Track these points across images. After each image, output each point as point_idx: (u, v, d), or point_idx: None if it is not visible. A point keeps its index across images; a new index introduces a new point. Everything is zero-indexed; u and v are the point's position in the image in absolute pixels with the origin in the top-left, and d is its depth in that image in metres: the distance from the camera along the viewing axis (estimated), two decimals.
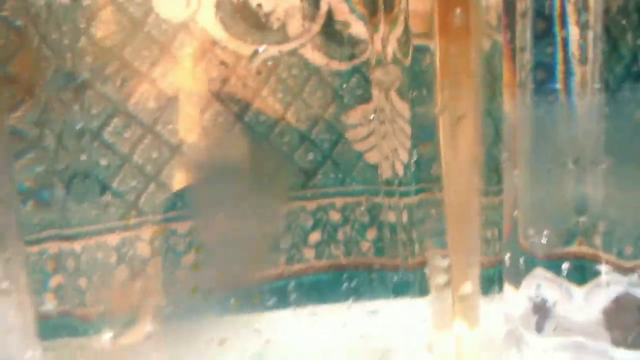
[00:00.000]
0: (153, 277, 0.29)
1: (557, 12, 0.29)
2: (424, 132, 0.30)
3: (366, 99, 0.30)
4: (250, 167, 0.30)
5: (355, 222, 0.31)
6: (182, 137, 0.29)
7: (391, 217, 0.31)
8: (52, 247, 0.29)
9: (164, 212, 0.29)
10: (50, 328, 0.29)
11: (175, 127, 0.29)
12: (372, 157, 0.30)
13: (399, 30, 0.29)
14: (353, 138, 0.30)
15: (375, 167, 0.30)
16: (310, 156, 0.30)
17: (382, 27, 0.29)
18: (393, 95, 0.30)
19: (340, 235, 0.31)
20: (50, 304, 0.29)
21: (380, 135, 0.30)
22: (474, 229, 0.30)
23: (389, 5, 0.29)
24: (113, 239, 0.29)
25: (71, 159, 0.28)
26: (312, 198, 0.30)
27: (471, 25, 0.29)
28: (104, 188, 0.29)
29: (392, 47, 0.30)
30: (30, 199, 0.29)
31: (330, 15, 0.29)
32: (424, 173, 0.30)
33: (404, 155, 0.30)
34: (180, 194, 0.29)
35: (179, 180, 0.29)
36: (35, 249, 0.28)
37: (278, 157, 0.30)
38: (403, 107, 0.30)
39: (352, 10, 0.29)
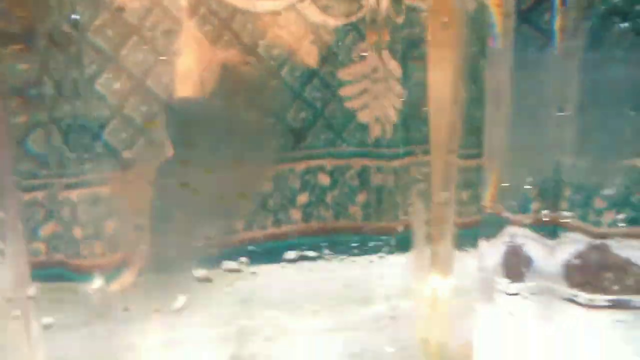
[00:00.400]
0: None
1: None
2: (414, 92, 0.31)
3: (361, 56, 0.30)
4: (242, 123, 0.30)
5: (344, 185, 0.31)
6: (175, 90, 0.29)
7: (379, 179, 0.31)
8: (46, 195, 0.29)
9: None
10: (43, 275, 0.29)
11: (168, 80, 0.29)
12: (363, 117, 0.31)
13: None
14: (346, 96, 0.30)
15: (366, 127, 0.31)
16: (302, 115, 0.30)
17: None
18: (385, 54, 0.30)
19: (329, 198, 0.31)
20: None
21: (372, 95, 0.31)
22: (452, 190, 0.32)
23: None
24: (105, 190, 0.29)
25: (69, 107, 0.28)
26: (302, 159, 0.31)
27: None
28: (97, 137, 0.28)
29: (385, 5, 0.30)
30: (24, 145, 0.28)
31: None
32: (413, 134, 0.31)
33: (393, 116, 0.31)
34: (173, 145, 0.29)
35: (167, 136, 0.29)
36: (29, 196, 0.28)
37: (267, 117, 0.30)
38: (395, 67, 0.30)
39: None
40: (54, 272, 0.30)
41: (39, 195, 0.29)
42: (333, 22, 0.29)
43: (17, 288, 0.29)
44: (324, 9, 0.29)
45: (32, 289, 0.29)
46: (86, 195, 0.29)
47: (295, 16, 0.29)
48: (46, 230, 0.29)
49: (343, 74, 0.30)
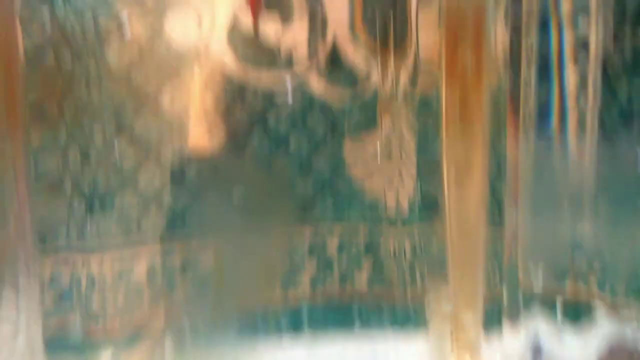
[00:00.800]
0: (155, 298, 0.30)
1: (554, 54, 0.29)
2: (429, 166, 0.30)
3: (369, 129, 0.30)
4: (251, 193, 0.30)
5: (352, 253, 0.31)
6: (186, 159, 0.30)
7: (391, 248, 0.31)
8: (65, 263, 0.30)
9: (165, 233, 0.30)
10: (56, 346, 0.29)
11: (180, 149, 0.29)
12: (372, 189, 0.30)
13: (408, 65, 0.30)
14: (354, 168, 0.30)
15: (375, 199, 0.30)
16: (310, 185, 0.30)
17: (392, 61, 0.30)
18: (403, 128, 0.30)
19: (336, 266, 0.31)
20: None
21: (383, 167, 0.30)
22: (476, 263, 0.30)
23: (400, 40, 0.30)
24: (117, 257, 0.29)
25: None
26: (309, 226, 0.30)
27: (479, 66, 0.29)
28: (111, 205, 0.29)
29: (402, 82, 0.30)
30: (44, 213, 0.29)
31: (335, 45, 0.29)
32: (428, 206, 0.30)
33: (409, 187, 0.30)
34: (178, 216, 0.30)
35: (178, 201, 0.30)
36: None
37: (279, 184, 0.30)
38: (410, 140, 0.30)
39: (357, 42, 0.30)
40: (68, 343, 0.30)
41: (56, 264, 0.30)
42: (339, 94, 0.30)
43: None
44: (332, 83, 0.30)
45: None
46: (103, 267, 0.30)
47: (302, 88, 0.30)
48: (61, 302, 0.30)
49: (350, 147, 0.30)
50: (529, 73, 0.29)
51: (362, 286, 0.31)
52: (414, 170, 0.30)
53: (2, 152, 0.28)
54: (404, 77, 0.30)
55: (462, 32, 0.29)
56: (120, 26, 0.29)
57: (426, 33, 0.30)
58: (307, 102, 0.30)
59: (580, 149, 0.29)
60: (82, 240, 0.29)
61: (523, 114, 0.29)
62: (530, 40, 0.29)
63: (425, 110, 0.30)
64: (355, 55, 0.30)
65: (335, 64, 0.29)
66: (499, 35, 0.29)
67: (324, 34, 0.29)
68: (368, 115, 0.30)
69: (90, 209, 0.29)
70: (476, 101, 0.29)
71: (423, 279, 0.31)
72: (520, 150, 0.29)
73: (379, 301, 0.31)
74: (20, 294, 0.29)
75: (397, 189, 0.30)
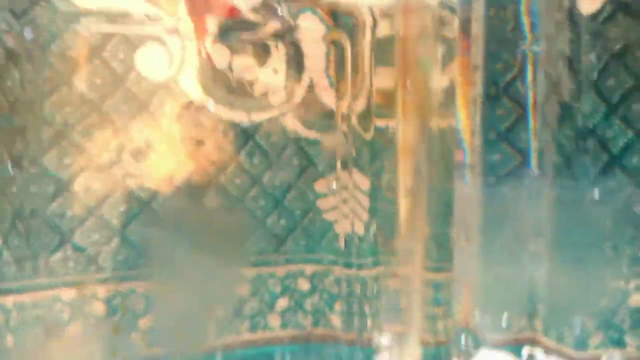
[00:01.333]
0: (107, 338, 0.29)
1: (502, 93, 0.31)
2: (381, 206, 0.31)
3: (333, 169, 0.31)
4: (218, 229, 0.30)
5: (323, 292, 0.31)
6: (152, 193, 0.29)
7: (351, 288, 0.31)
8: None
9: (124, 270, 0.29)
10: None
11: (147, 183, 0.29)
12: (339, 227, 0.31)
13: (360, 104, 0.30)
14: (323, 207, 0.31)
15: (340, 237, 0.31)
16: (282, 222, 0.30)
17: (346, 100, 0.30)
18: (353, 168, 0.31)
19: (307, 305, 0.31)
20: None
21: (346, 206, 0.31)
22: (419, 306, 0.31)
23: (354, 79, 0.30)
24: (67, 294, 0.28)
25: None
26: (281, 264, 0.31)
27: (423, 105, 0.30)
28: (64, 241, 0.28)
29: (354, 120, 0.31)
30: None
31: (311, 87, 0.30)
32: (381, 246, 0.31)
33: (360, 228, 0.31)
34: (142, 251, 0.29)
35: (143, 237, 0.29)
36: None
37: (247, 220, 0.30)
38: (362, 180, 0.31)
39: (331, 84, 0.30)
40: None
41: None
42: (313, 135, 0.30)
43: None
44: (305, 123, 0.30)
45: None
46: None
47: (276, 128, 0.30)
48: None
49: (318, 186, 0.31)
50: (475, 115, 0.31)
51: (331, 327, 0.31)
52: (366, 211, 0.31)
53: None
54: (355, 117, 0.31)
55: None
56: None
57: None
58: (283, 141, 0.30)
59: (531, 192, 0.31)
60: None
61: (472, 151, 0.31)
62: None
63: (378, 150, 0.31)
64: (328, 96, 0.30)
65: (309, 103, 0.30)
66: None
67: (300, 75, 0.30)
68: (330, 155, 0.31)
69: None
70: (422, 141, 0.30)
71: (374, 323, 0.31)
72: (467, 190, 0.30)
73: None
74: None
75: (352, 230, 0.31)
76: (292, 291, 0.31)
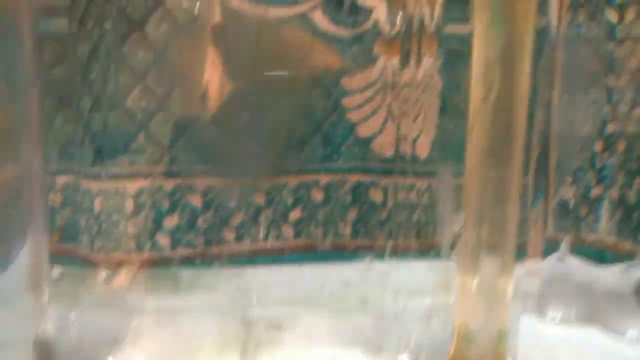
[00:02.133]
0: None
1: None
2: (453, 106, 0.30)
3: (366, 65, 0.31)
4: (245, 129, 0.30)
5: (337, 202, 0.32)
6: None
7: (400, 197, 0.31)
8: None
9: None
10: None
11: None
12: (366, 130, 0.31)
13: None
14: (349, 106, 0.31)
15: (367, 142, 0.31)
16: (301, 125, 0.31)
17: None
18: (429, 64, 0.30)
19: (320, 215, 0.32)
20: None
21: (380, 107, 0.31)
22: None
23: None
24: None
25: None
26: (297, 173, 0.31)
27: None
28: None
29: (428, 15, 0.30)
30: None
31: None
32: (445, 151, 0.31)
33: (429, 130, 0.31)
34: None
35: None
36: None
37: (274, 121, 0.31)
38: (436, 79, 0.30)
39: None
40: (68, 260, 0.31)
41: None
42: (342, 31, 0.30)
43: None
44: (334, 19, 0.30)
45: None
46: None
47: (305, 24, 0.30)
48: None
49: (347, 83, 0.31)
50: None
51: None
52: (435, 113, 0.31)
53: None
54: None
55: None
56: None
57: None
58: (311, 37, 0.30)
59: None
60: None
61: None
62: None
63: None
64: None
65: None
66: None
67: None
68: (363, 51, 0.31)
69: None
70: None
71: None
72: None
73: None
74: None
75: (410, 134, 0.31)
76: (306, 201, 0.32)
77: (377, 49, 0.31)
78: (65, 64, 0.30)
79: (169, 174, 0.30)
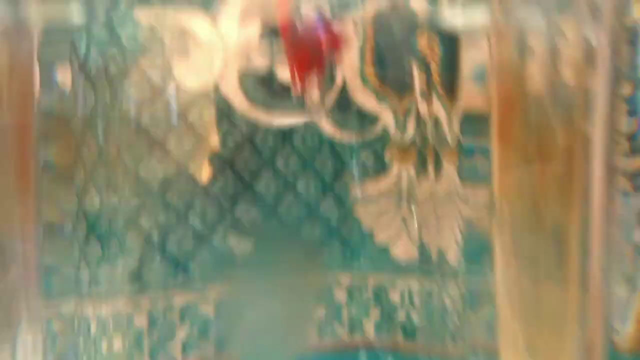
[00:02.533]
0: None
1: None
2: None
3: (378, 173, 0.30)
4: (258, 237, 0.29)
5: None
6: (189, 201, 0.29)
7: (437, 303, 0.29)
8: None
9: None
10: None
11: (182, 191, 0.29)
12: (382, 236, 0.30)
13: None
14: (363, 214, 0.30)
15: (386, 249, 0.30)
16: (317, 231, 0.30)
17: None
18: (450, 169, 0.29)
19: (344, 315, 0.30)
20: None
21: (397, 214, 0.30)
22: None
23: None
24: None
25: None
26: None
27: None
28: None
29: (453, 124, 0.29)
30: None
31: (344, 88, 0.29)
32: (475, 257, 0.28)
33: (458, 236, 0.29)
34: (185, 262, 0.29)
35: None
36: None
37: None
38: (458, 186, 0.29)
39: (366, 85, 0.30)
40: None
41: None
42: (348, 137, 0.30)
43: None
44: (341, 125, 0.30)
45: None
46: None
47: (311, 130, 0.30)
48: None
49: (359, 191, 0.30)
50: None
51: None
52: (461, 217, 0.29)
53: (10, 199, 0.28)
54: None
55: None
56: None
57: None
58: (317, 143, 0.30)
59: None
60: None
61: None
62: None
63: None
64: (365, 98, 0.30)
65: (343, 104, 0.29)
66: None
67: (332, 76, 0.29)
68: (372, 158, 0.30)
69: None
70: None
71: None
72: None
73: None
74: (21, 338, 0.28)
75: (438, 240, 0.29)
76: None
77: (388, 156, 0.30)
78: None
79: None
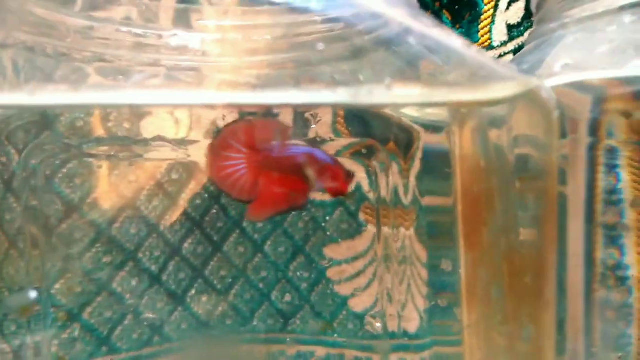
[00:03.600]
0: None
1: None
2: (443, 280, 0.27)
3: (352, 235, 0.28)
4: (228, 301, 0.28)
5: None
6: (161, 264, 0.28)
7: None
8: None
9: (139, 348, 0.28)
10: None
11: (155, 254, 0.28)
12: (358, 305, 0.28)
13: (416, 169, 0.28)
14: (336, 279, 0.28)
15: (361, 317, 0.28)
16: (288, 297, 0.28)
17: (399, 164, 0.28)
18: (411, 237, 0.28)
19: None
20: None
21: (375, 278, 0.28)
22: None
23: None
24: None
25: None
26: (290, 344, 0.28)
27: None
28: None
29: (411, 187, 0.28)
30: None
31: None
32: (440, 324, 0.27)
33: (420, 303, 0.28)
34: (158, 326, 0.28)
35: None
36: None
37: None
38: (421, 251, 0.28)
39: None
40: None
41: None
42: (319, 196, 0.29)
43: None
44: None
45: None
46: None
47: None
48: None
49: (331, 253, 0.28)
50: None
51: None
52: (425, 285, 0.27)
53: None
54: (413, 182, 0.28)
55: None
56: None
57: None
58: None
59: None
60: None
61: None
62: None
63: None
64: None
65: None
66: None
67: (306, 130, 0.28)
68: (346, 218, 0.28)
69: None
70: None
71: None
72: None
73: None
74: None
75: (405, 308, 0.28)
76: None
77: (362, 216, 0.29)
78: None
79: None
